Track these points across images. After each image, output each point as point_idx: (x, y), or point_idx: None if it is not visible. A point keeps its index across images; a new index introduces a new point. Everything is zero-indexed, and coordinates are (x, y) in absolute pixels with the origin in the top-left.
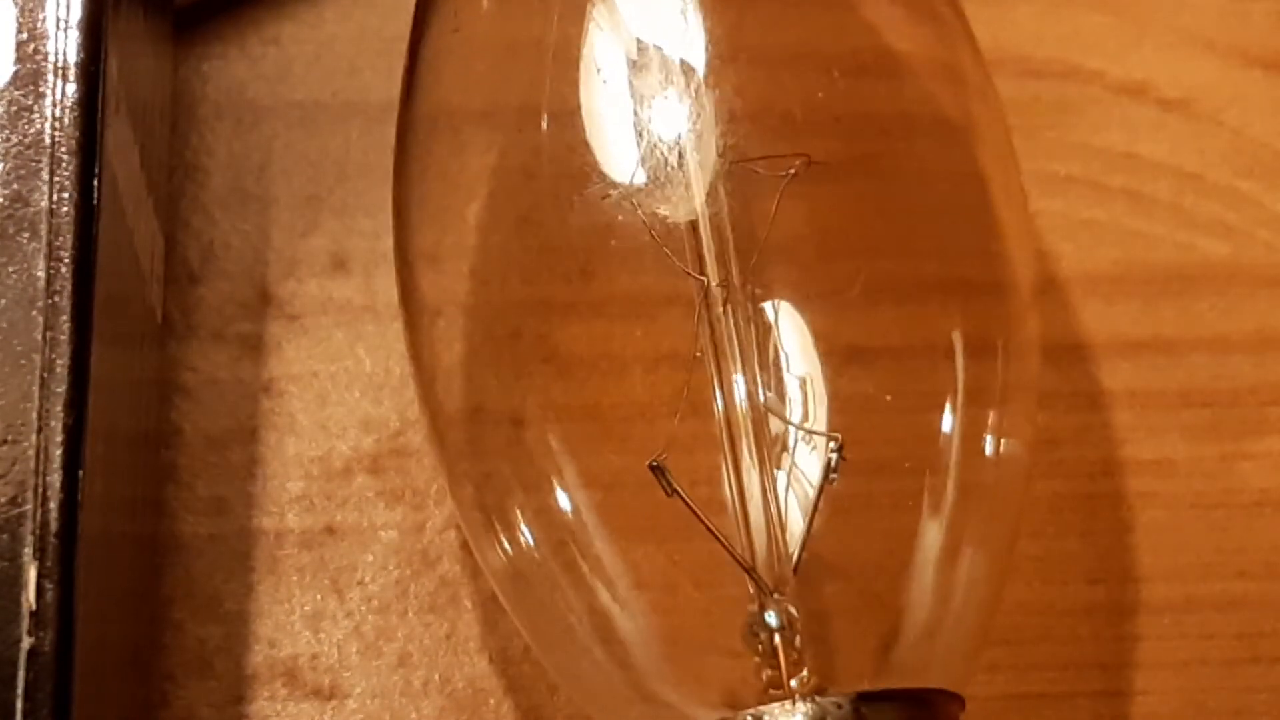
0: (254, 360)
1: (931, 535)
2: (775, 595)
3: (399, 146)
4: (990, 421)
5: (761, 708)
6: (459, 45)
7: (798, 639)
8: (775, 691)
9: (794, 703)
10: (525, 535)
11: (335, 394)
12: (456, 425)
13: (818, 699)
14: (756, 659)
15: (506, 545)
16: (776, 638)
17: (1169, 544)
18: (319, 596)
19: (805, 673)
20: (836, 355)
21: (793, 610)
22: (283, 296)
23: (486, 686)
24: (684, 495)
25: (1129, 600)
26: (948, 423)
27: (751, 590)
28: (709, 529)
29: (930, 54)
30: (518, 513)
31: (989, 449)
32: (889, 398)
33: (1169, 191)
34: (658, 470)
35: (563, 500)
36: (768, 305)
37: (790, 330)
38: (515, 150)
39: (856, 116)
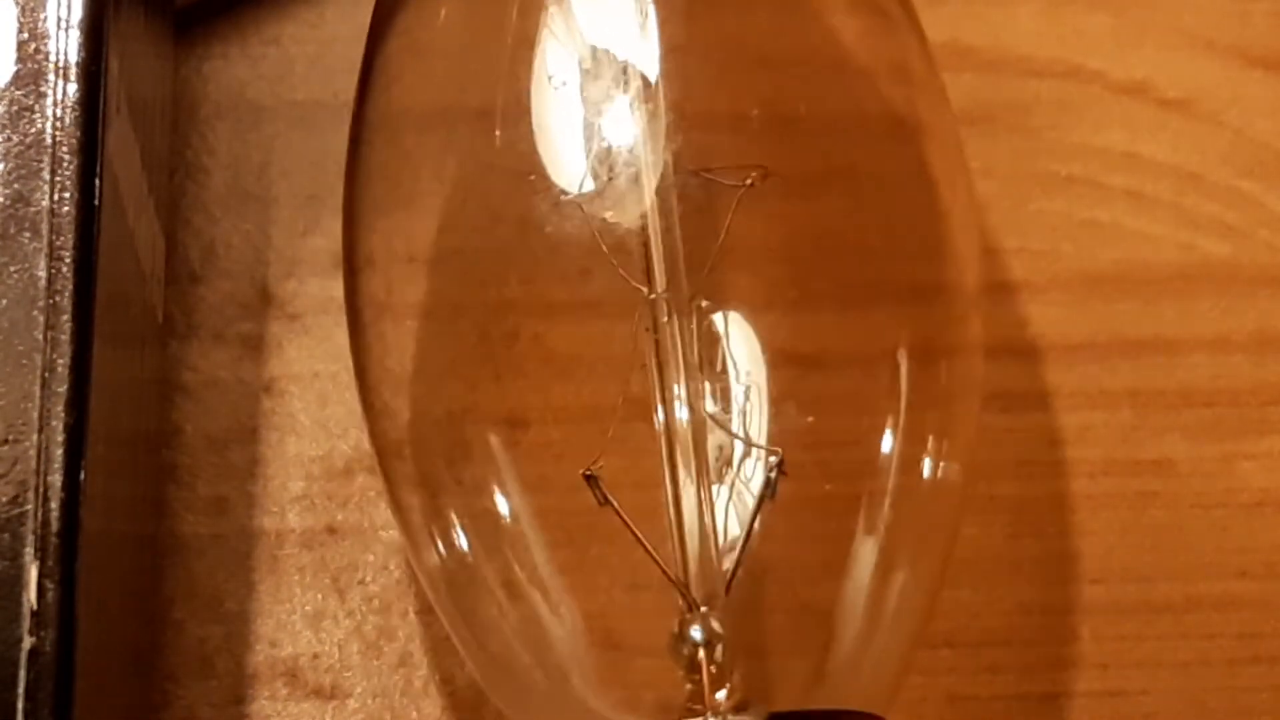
0: (255, 360)
1: (866, 552)
2: (703, 609)
3: (351, 150)
4: (931, 433)
5: None
6: (414, 48)
7: (720, 653)
8: (696, 706)
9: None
10: (460, 538)
11: (336, 394)
12: (397, 426)
13: (730, 717)
14: (680, 672)
15: (441, 548)
16: (700, 652)
17: (1169, 544)
18: (320, 596)
19: (727, 689)
20: (780, 366)
21: (717, 625)
22: (283, 296)
23: None
24: (615, 505)
25: (1129, 600)
26: (888, 436)
27: (680, 603)
28: (638, 540)
29: (879, 54)
30: (453, 515)
31: (928, 464)
32: (828, 412)
33: (1170, 191)
34: (591, 479)
35: (500, 504)
36: (714, 314)
37: (735, 340)
38: (466, 155)
39: (807, 120)
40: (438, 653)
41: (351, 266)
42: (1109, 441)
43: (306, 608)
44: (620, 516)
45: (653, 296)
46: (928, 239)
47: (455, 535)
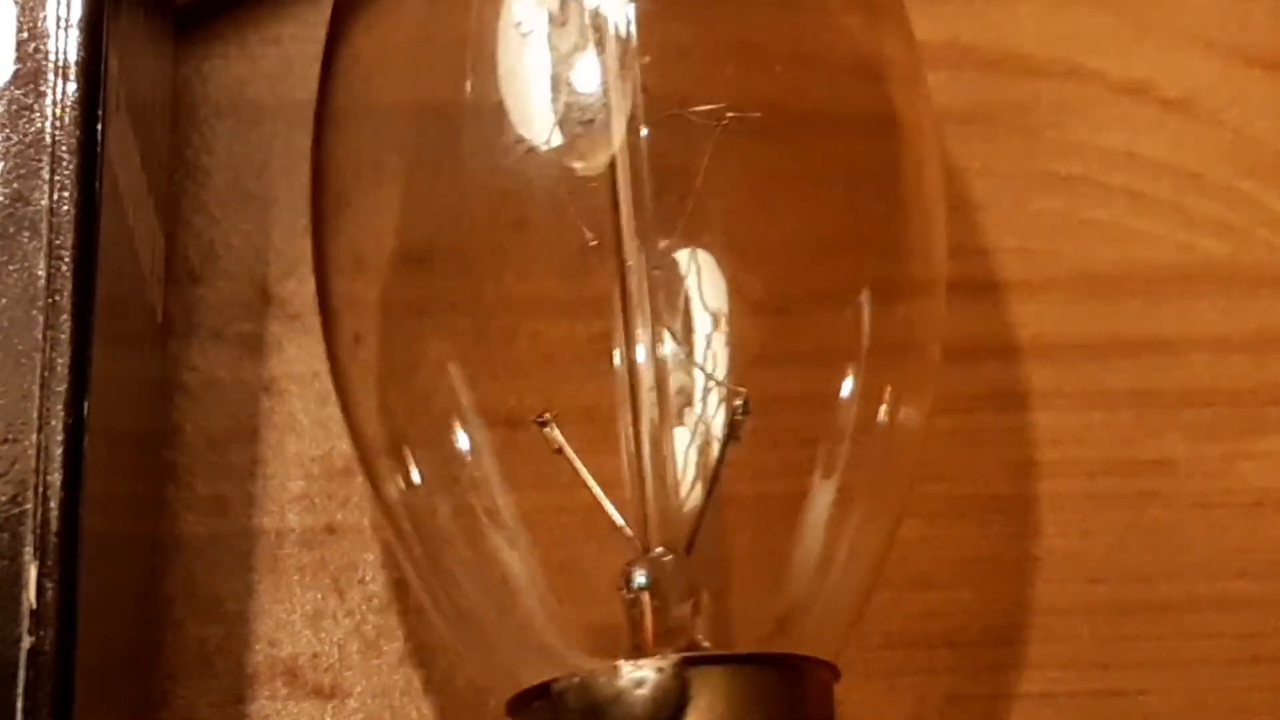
0: (255, 360)
1: (822, 499)
2: (659, 552)
3: (316, 142)
4: (890, 381)
5: (595, 667)
6: (380, 36)
7: (669, 598)
8: (638, 650)
9: (623, 664)
10: (418, 472)
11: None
12: (359, 363)
13: (639, 661)
14: (629, 615)
15: (401, 482)
16: (646, 596)
17: (1169, 544)
18: (320, 596)
19: (673, 630)
20: (743, 317)
21: (669, 568)
22: (283, 296)
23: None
24: (569, 451)
25: (1129, 600)
26: (848, 381)
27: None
28: (589, 486)
29: (855, 40)
30: (410, 450)
31: (885, 410)
32: (789, 357)
33: (1170, 191)
34: (544, 424)
35: (461, 440)
36: (681, 261)
37: (701, 289)
38: (437, 126)
39: (776, 60)
40: (438, 652)
41: (319, 219)
42: (1109, 441)
43: (306, 607)
44: (572, 463)
45: (629, 240)
46: (892, 223)
47: (413, 470)
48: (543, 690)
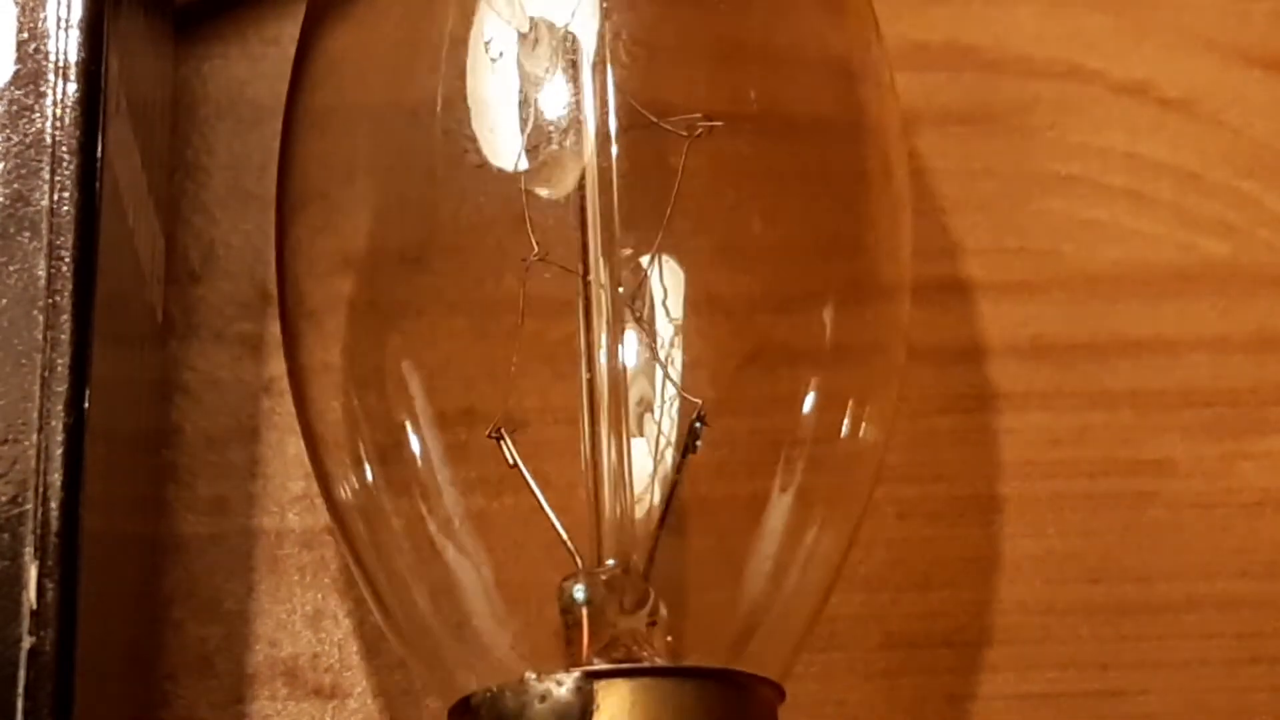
0: (254, 360)
1: (778, 513)
2: (609, 565)
3: (284, 145)
4: (851, 395)
5: (506, 681)
6: (355, 31)
7: (608, 612)
8: (574, 661)
9: (530, 677)
10: (370, 474)
11: None
12: (318, 361)
13: (544, 676)
14: (566, 627)
15: (354, 482)
16: (584, 610)
17: (1169, 543)
18: (320, 596)
19: (602, 647)
20: (704, 336)
21: (610, 582)
22: None
23: None
24: (522, 467)
25: (1129, 600)
26: (810, 396)
27: (579, 562)
28: (539, 501)
29: (823, 41)
30: (364, 451)
31: (847, 424)
32: (751, 368)
33: (1170, 191)
34: (498, 438)
35: (413, 443)
36: (644, 269)
37: (665, 298)
38: (404, 141)
39: (746, 101)
40: None
41: (282, 216)
42: (1109, 441)
43: (306, 607)
44: (524, 476)
45: (597, 258)
46: (858, 227)
47: (365, 472)
48: (463, 703)
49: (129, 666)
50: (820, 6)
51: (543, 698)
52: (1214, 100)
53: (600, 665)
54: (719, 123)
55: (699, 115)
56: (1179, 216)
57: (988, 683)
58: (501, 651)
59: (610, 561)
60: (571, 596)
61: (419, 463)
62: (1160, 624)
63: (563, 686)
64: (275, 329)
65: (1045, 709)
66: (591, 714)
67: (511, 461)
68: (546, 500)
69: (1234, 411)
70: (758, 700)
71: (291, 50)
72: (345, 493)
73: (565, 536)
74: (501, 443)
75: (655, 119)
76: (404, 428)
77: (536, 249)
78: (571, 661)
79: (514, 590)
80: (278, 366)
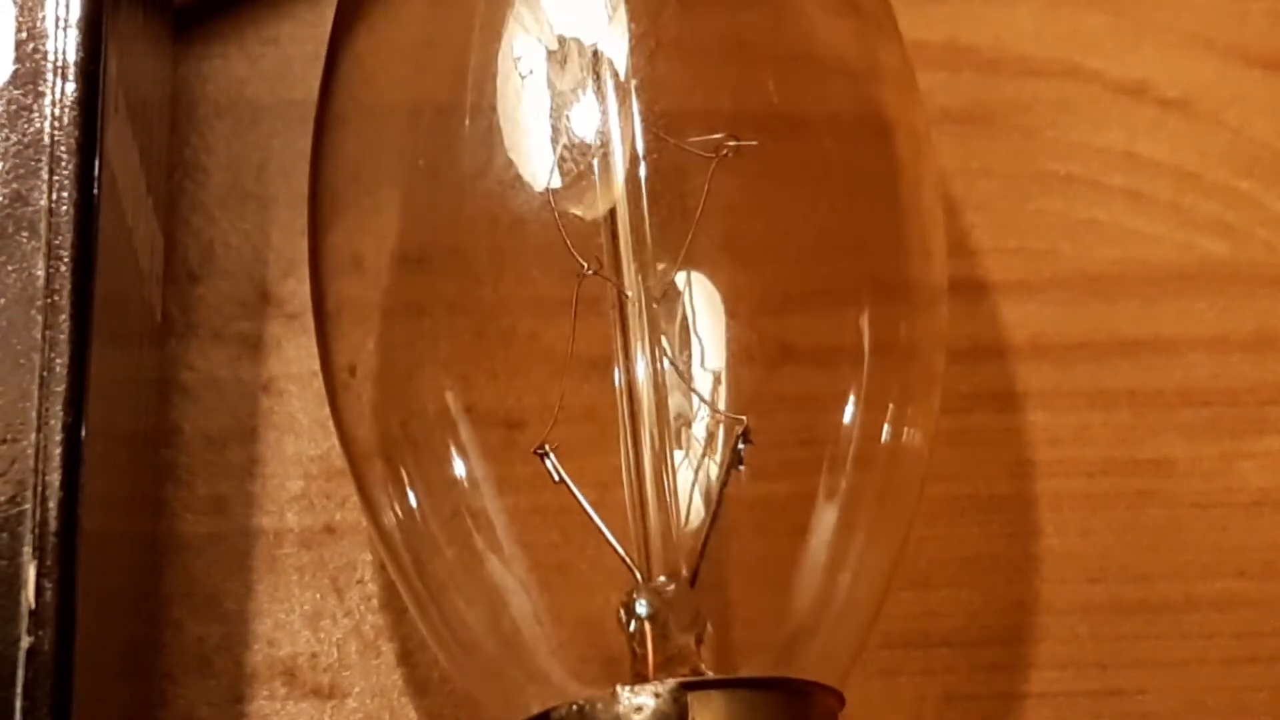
0: (254, 359)
1: (824, 527)
2: (662, 581)
3: (315, 144)
4: (893, 400)
5: (593, 694)
6: (383, 40)
7: (670, 626)
8: (640, 679)
9: (621, 690)
10: (416, 501)
11: None
12: (357, 388)
13: (637, 688)
14: (631, 644)
15: (398, 509)
16: (648, 625)
17: (1169, 543)
18: (318, 595)
19: (674, 658)
20: (742, 347)
21: (669, 597)
22: (282, 296)
23: None
24: (569, 481)
25: (1129, 600)
26: (850, 403)
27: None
28: (589, 514)
29: (849, 49)
30: (408, 477)
31: (886, 439)
32: (793, 384)
33: (1169, 191)
34: (543, 456)
35: (458, 468)
36: (680, 285)
37: (702, 312)
38: (432, 150)
39: (775, 112)
40: (437, 652)
41: (317, 232)
42: (1108, 441)
43: (305, 607)
44: (573, 492)
45: (629, 276)
46: (891, 229)
47: (410, 498)
48: (542, 718)
49: (128, 666)
50: (837, 11)
51: (638, 709)
52: (1213, 100)
53: (689, 677)
54: (752, 142)
55: (723, 135)
56: (1178, 216)
57: (987, 683)
58: (552, 669)
59: (661, 578)
60: (637, 611)
61: (464, 482)
62: (1159, 623)
63: (659, 698)
64: (274, 329)
65: (1044, 708)
66: None
67: (557, 478)
68: (594, 515)
69: (1233, 411)
70: (828, 713)
71: (291, 50)
72: (391, 517)
73: (622, 552)
74: (546, 459)
75: (684, 144)
76: (446, 441)
77: (586, 266)
78: (637, 677)
79: (565, 608)
80: (276, 366)
